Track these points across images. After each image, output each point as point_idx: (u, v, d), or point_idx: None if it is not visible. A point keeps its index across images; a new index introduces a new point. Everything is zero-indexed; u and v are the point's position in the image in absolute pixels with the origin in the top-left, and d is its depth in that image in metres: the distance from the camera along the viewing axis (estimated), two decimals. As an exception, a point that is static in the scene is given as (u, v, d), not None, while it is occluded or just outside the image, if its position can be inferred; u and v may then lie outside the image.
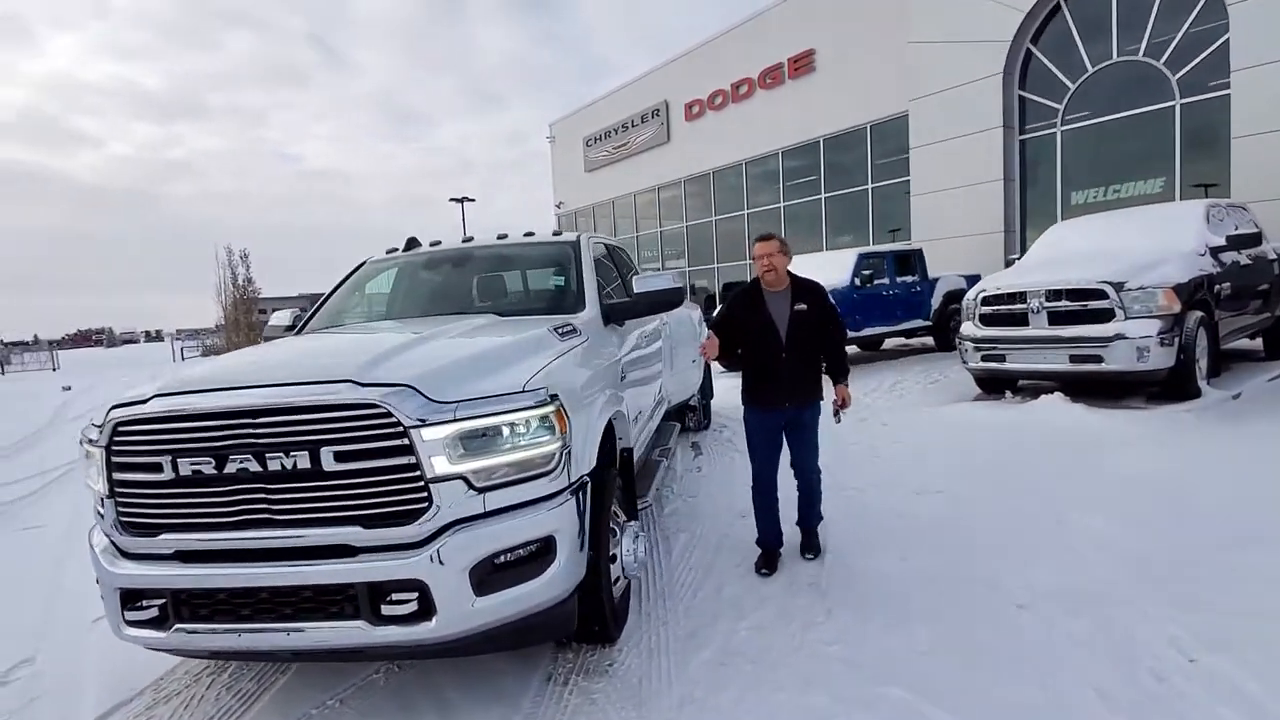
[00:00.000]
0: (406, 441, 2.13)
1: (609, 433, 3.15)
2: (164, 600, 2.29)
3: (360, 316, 3.82)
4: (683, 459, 5.87)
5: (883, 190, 16.40)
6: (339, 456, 2.14)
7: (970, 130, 13.28)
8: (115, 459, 2.31)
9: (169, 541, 2.29)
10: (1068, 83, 12.30)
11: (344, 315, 3.80)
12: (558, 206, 28.92)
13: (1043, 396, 6.31)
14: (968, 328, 6.97)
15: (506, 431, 2.28)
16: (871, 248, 11.44)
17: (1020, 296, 6.43)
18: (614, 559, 2.90)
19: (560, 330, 2.97)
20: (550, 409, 2.36)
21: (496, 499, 2.25)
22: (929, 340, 11.66)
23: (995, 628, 2.79)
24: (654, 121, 23.09)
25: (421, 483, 2.16)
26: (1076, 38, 12.05)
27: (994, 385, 7.24)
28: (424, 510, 2.16)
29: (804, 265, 11.43)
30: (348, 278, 4.07)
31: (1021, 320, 6.43)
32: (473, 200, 37.58)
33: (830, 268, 10.64)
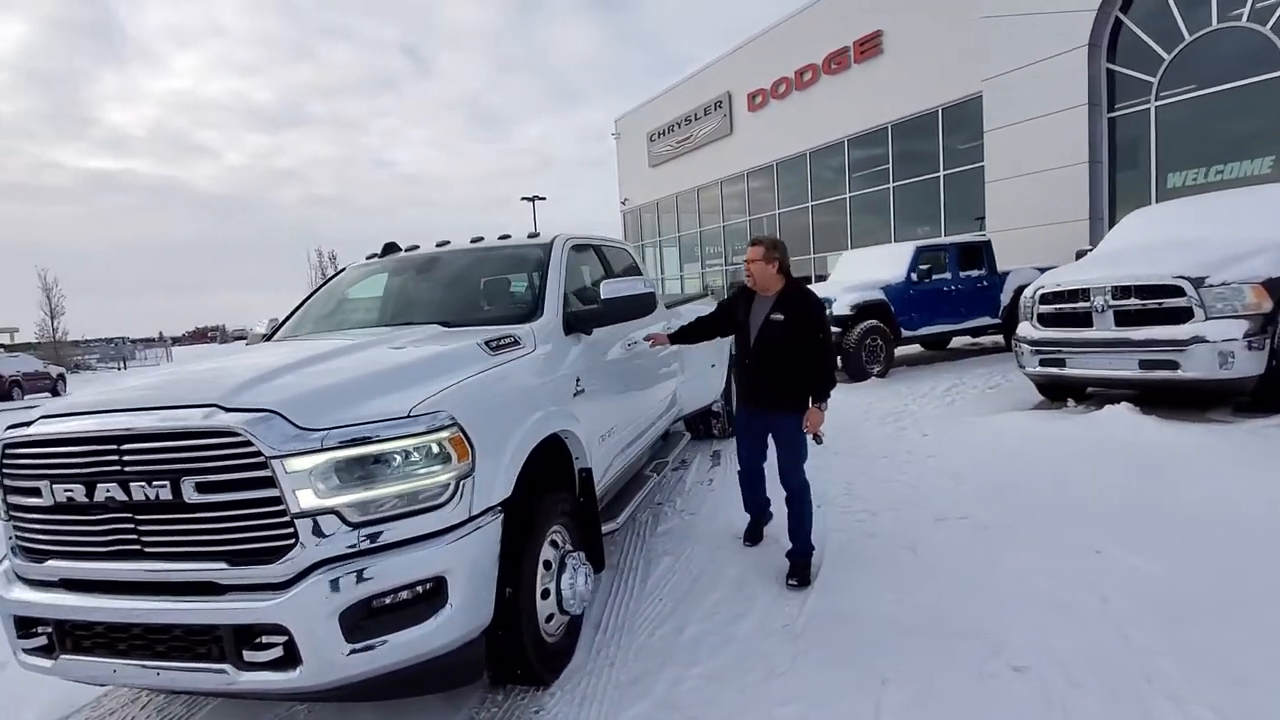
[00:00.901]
0: (269, 473, 1.95)
1: (557, 454, 2.91)
2: (50, 629, 2.21)
3: (332, 325, 3.71)
4: (698, 469, 5.54)
5: (956, 177, 15.36)
6: (200, 487, 1.98)
7: (1051, 109, 12.18)
8: (5, 481, 2.25)
9: (55, 569, 2.20)
10: (1162, 53, 11.06)
11: (308, 325, 3.70)
12: (623, 203, 28.82)
13: (1108, 407, 5.59)
14: (1024, 329, 6.29)
15: (387, 461, 2.06)
16: (931, 240, 10.63)
17: (1083, 294, 5.72)
18: (549, 594, 2.64)
19: (494, 343, 2.73)
20: (444, 435, 2.12)
21: (376, 535, 2.04)
22: (1001, 339, 10.78)
23: (981, 696, 2.36)
24: (716, 114, 22.58)
25: (286, 517, 1.97)
26: (1172, 3, 10.81)
27: (1057, 393, 6.52)
28: (289, 548, 1.97)
29: (858, 261, 10.81)
30: (324, 284, 3.98)
31: (1084, 320, 5.73)
32: (543, 199, 38.04)
33: (886, 262, 9.99)
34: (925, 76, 15.48)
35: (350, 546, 2.01)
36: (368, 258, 4.14)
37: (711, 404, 6.11)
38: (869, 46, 16.84)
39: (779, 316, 3.35)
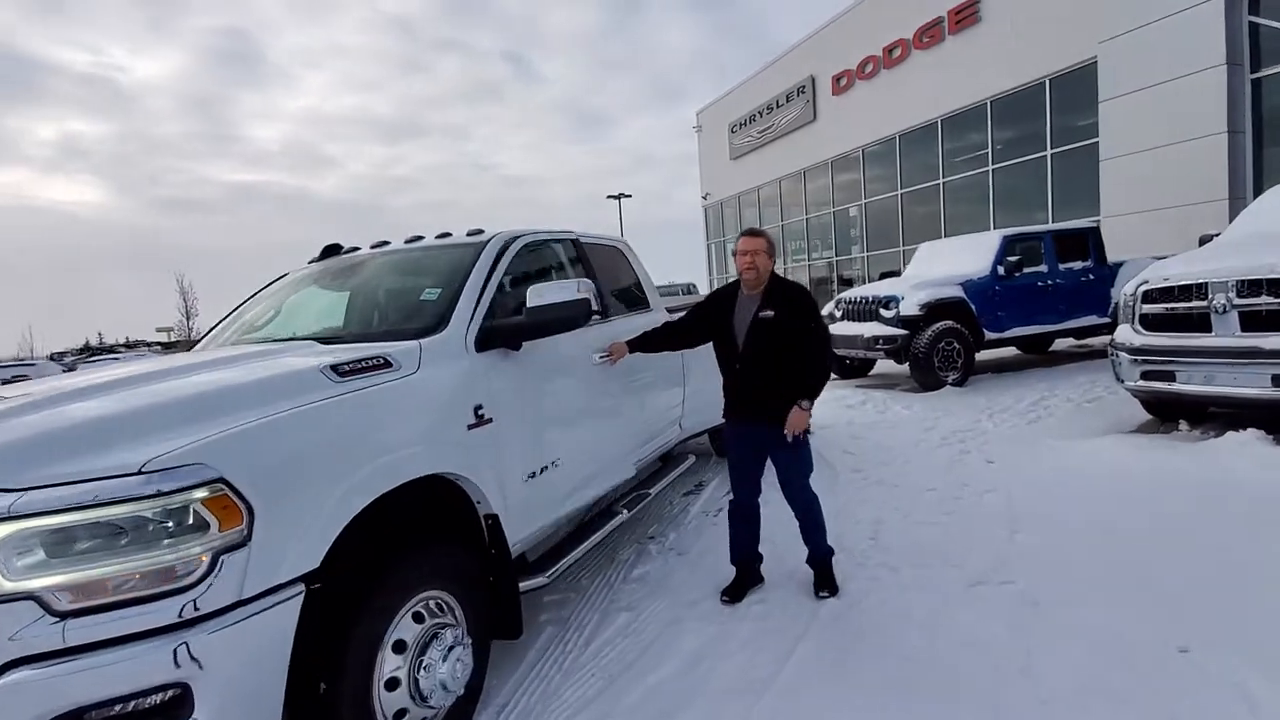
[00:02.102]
0: (-57, 545, 1.50)
1: (450, 498, 2.37)
2: None
3: (236, 339, 3.28)
4: (711, 495, 4.83)
5: (1065, 156, 13.61)
6: None
7: (1181, 72, 10.43)
8: None
9: None
10: (1328, -5, 9.17)
11: (220, 338, 3.31)
12: (704, 198, 28.01)
13: (1230, 434, 4.43)
14: (1123, 333, 5.15)
15: (113, 531, 1.57)
16: (1023, 228, 9.29)
17: (1198, 290, 4.56)
18: (399, 683, 2.09)
19: (348, 366, 2.20)
20: (197, 495, 1.61)
21: (88, 629, 1.55)
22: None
23: None
24: (799, 100, 21.37)
25: (-34, 602, 1.51)
26: (1343, -68, 8.92)
27: (1168, 411, 5.33)
28: (-30, 642, 1.52)
29: (936, 253, 9.61)
30: (256, 292, 3.61)
31: (1200, 324, 4.57)
32: (629, 196, 37.85)
33: (968, 254, 8.81)
34: (1030, 44, 13.80)
35: (54, 642, 1.53)
36: (309, 261, 3.74)
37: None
38: (965, 15, 15.26)
39: (769, 314, 3.01)
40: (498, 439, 2.58)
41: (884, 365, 9.06)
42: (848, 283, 19.29)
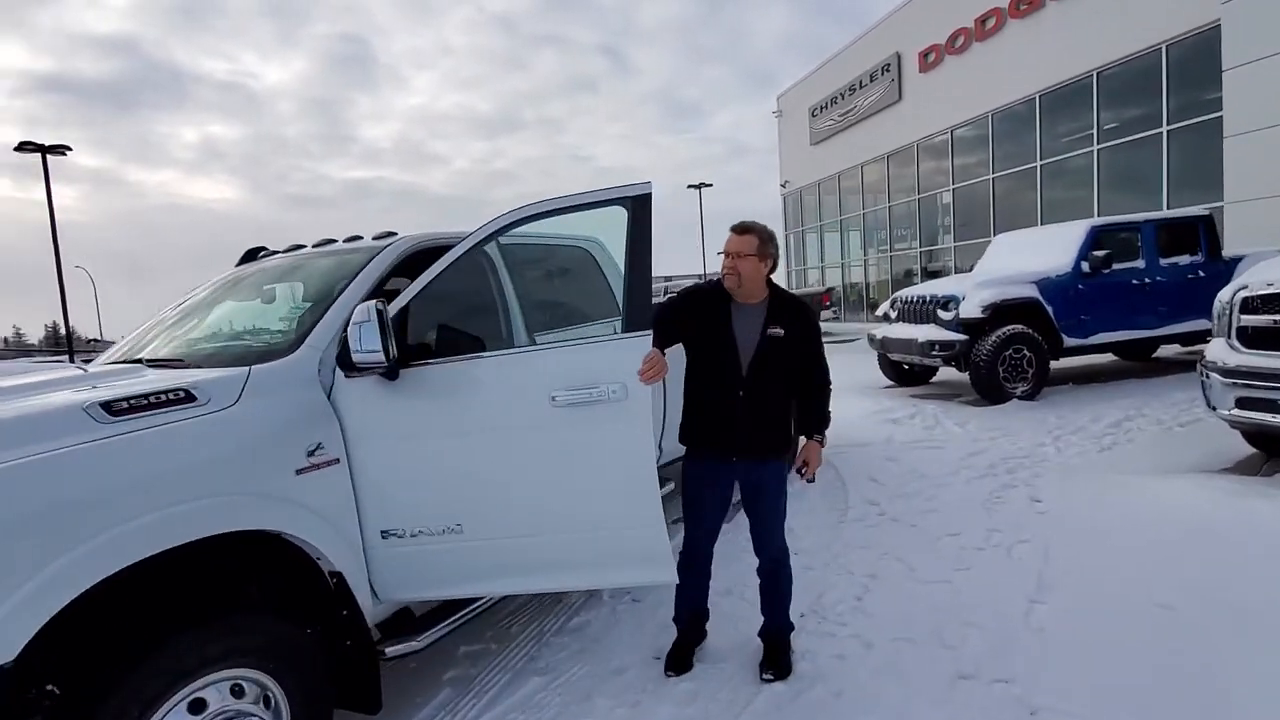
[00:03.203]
0: None
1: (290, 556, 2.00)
2: None
3: (135, 352, 2.95)
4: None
5: (1183, 134, 11.90)
6: None
7: (1330, 30, 8.78)
8: None
9: None
10: None
11: (132, 345, 3.06)
12: (782, 186, 26.87)
13: (1352, 484, 3.47)
14: (1217, 349, 4.20)
15: None
16: (1116, 218, 8.04)
17: (1316, 300, 3.60)
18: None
19: (125, 404, 1.84)
20: None
21: None
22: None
23: None
24: (884, 79, 19.96)
25: None
26: None
27: (1275, 447, 4.33)
28: None
29: (1013, 246, 8.52)
30: (188, 296, 3.34)
31: (1317, 342, 3.61)
32: (709, 185, 37.09)
33: (1048, 248, 7.76)
34: (1141, 8, 12.14)
35: None
36: (236, 264, 3.46)
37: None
38: (1069, -22, 13.64)
39: (778, 331, 2.51)
40: (343, 484, 2.18)
41: (947, 373, 8.13)
42: (934, 275, 17.88)
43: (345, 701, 2.22)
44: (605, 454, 2.22)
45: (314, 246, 3.12)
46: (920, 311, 7.68)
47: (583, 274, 3.73)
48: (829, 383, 2.67)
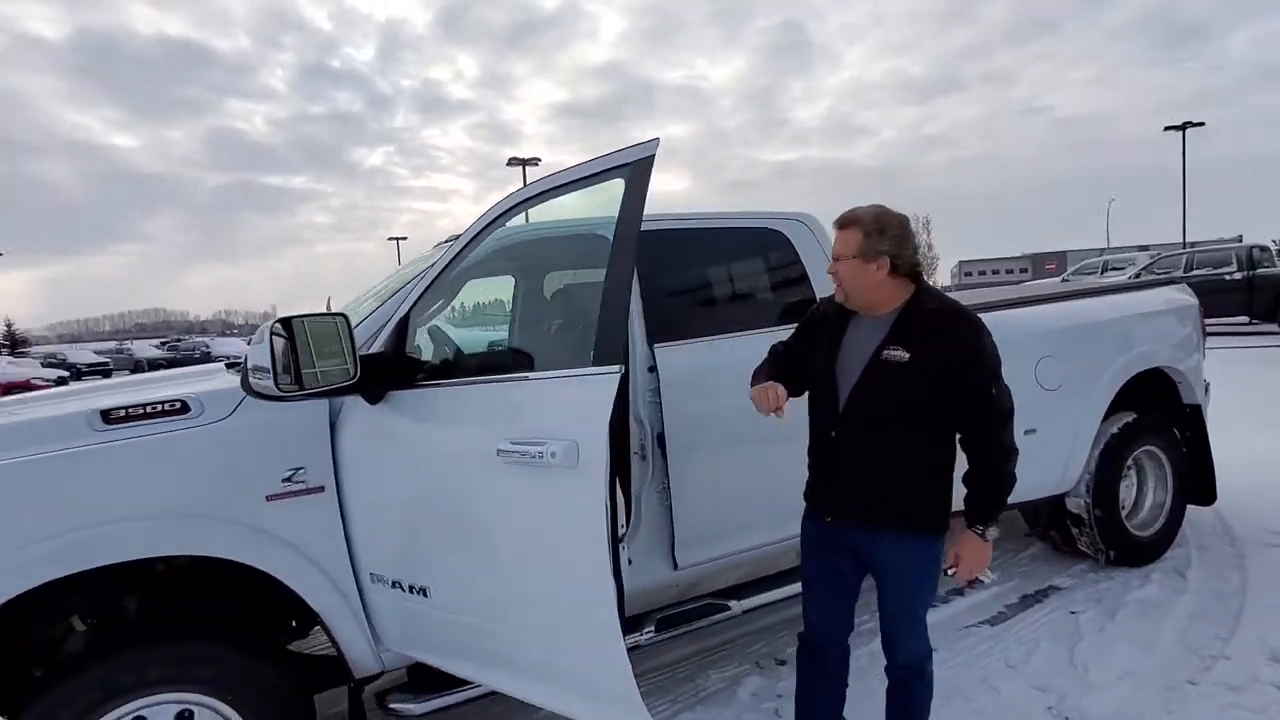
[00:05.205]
0: None
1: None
2: None
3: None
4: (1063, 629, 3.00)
5: None
6: None
7: None
8: None
9: None
10: None
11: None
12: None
13: None
14: None
15: None
16: None
17: None
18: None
19: (120, 413, 1.87)
20: None
21: None
22: None
23: None
24: None
25: None
26: None
27: None
28: None
29: None
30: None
31: None
32: (1199, 124, 28.15)
33: None
34: None
35: None
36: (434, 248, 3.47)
37: (1064, 495, 3.34)
38: None
39: (898, 354, 1.78)
40: (326, 515, 1.97)
41: None
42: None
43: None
44: (548, 539, 1.55)
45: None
46: None
47: (767, 263, 2.90)
48: (1004, 442, 1.76)
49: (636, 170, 1.56)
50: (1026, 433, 3.01)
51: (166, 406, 1.94)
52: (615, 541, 1.45)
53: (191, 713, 1.85)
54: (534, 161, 26.51)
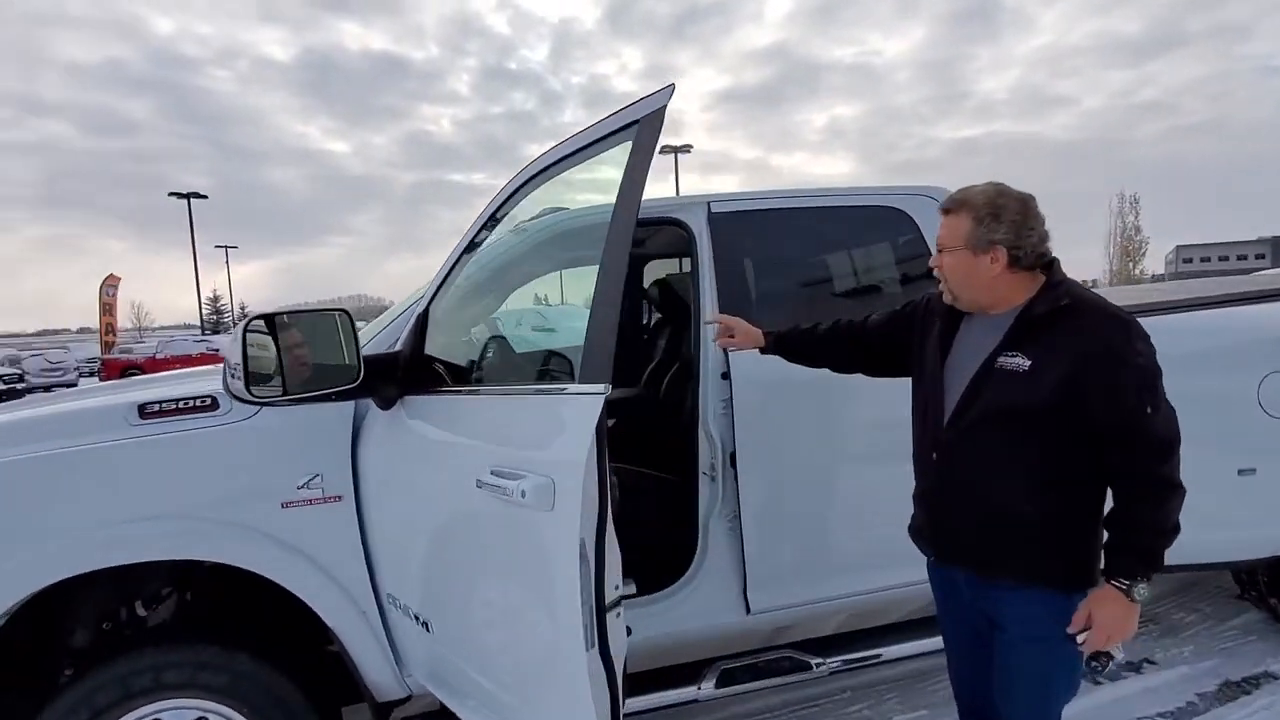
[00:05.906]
0: None
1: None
2: None
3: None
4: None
5: None
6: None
7: None
8: None
9: None
10: None
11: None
12: None
13: None
14: None
15: None
16: None
17: None
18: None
19: (155, 407, 1.83)
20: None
21: None
22: None
23: None
24: None
25: None
26: None
27: None
28: None
29: None
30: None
31: None
32: None
33: None
34: None
35: None
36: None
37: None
38: None
39: (1019, 362, 1.39)
40: (343, 527, 1.82)
41: None
42: None
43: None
44: (523, 597, 1.25)
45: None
46: None
47: (884, 247, 2.42)
48: (1161, 474, 1.31)
49: (645, 127, 1.21)
50: (1241, 472, 2.30)
51: (198, 402, 1.89)
52: (600, 607, 1.12)
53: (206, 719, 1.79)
54: (685, 149, 26.42)
